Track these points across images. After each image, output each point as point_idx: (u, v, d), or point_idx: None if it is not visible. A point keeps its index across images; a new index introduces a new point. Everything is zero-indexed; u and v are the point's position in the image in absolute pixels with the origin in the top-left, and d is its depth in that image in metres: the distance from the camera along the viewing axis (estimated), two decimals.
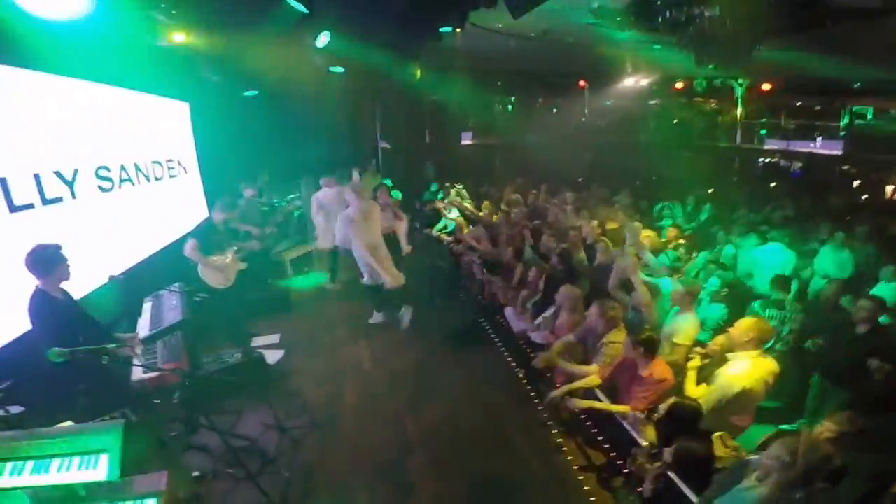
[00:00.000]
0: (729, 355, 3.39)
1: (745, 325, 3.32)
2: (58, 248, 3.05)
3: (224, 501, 3.18)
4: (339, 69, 8.17)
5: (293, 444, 3.74)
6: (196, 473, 3.36)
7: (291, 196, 8.24)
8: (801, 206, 9.06)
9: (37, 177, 3.57)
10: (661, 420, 3.01)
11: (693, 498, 2.66)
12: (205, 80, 6.52)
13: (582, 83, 13.20)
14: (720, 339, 3.77)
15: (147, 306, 4.22)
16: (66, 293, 3.19)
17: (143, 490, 2.21)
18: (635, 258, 4.77)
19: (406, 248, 6.55)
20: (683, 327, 3.92)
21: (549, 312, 4.70)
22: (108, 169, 4.51)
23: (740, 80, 11.82)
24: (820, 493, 2.25)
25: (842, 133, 11.76)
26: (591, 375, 3.74)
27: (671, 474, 2.82)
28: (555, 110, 14.99)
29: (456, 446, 3.80)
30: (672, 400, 3.05)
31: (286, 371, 4.85)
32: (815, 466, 2.30)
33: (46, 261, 2.96)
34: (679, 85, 12.09)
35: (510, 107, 14.92)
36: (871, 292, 4.55)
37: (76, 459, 2.22)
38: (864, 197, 11.08)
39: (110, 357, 2.74)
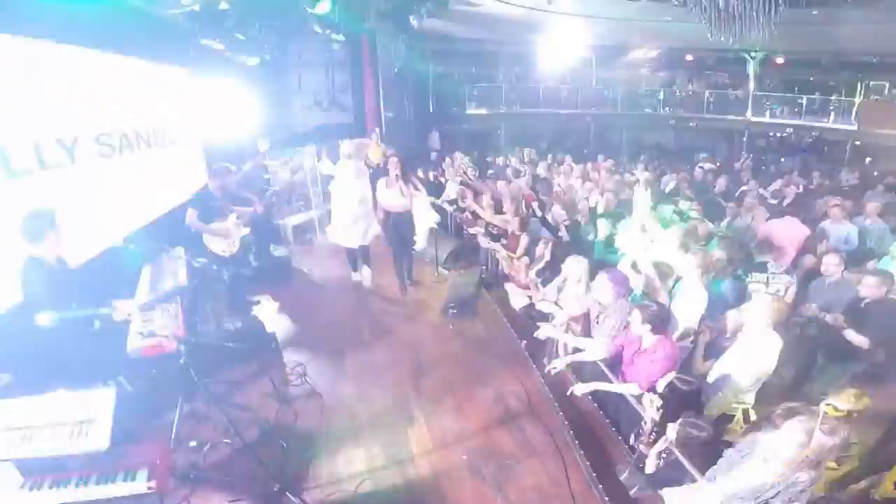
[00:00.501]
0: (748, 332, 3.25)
1: (767, 304, 3.17)
2: (51, 213, 2.91)
3: (222, 472, 3.08)
4: (340, 38, 7.85)
5: (292, 414, 3.64)
6: (193, 443, 3.26)
7: (291, 162, 7.98)
8: (811, 181, 8.84)
9: (36, 144, 3.45)
10: (662, 396, 2.88)
11: (697, 475, 2.56)
12: (203, 47, 6.28)
13: (589, 54, 12.69)
14: (732, 314, 3.60)
15: (146, 272, 4.04)
16: (60, 259, 3.03)
17: (134, 461, 2.12)
18: (642, 232, 4.59)
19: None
20: (694, 299, 3.77)
21: (554, 282, 4.54)
22: (108, 136, 4.34)
23: (753, 53, 11.31)
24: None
25: (856, 108, 11.32)
26: (596, 348, 3.62)
27: (676, 451, 2.71)
28: (562, 80, 14.47)
29: (456, 416, 3.69)
30: (671, 376, 2.94)
31: (286, 340, 4.71)
32: (830, 448, 2.16)
33: (39, 227, 2.82)
34: (689, 57, 11.61)
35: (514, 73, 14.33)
36: (879, 267, 4.48)
37: (65, 428, 2.11)
38: (875, 173, 10.79)
39: (102, 322, 2.60)
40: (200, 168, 6.44)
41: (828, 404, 2.70)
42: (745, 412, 3.23)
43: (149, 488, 1.95)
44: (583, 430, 3.52)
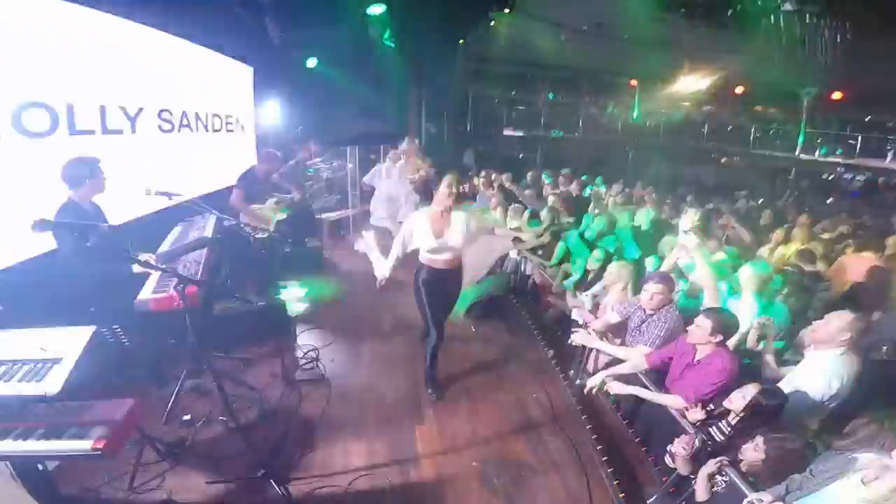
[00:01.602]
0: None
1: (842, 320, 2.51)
2: (95, 161, 2.83)
3: (210, 449, 2.70)
4: (391, 45, 7.77)
5: (297, 398, 3.24)
6: (186, 417, 2.91)
7: (335, 163, 7.86)
8: (861, 225, 7.85)
9: (102, 108, 3.55)
10: (743, 412, 2.29)
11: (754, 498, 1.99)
12: (269, 47, 6.34)
13: (633, 82, 12.15)
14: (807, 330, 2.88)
15: (176, 229, 3.86)
16: (96, 206, 2.93)
17: (90, 418, 1.72)
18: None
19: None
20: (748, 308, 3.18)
21: (591, 290, 4.01)
22: (170, 112, 4.45)
23: (807, 89, 10.47)
24: None
25: None
26: (638, 359, 3.03)
27: (732, 473, 2.14)
28: (604, 108, 13.93)
29: (471, 420, 3.18)
30: (758, 388, 2.30)
31: (306, 324, 4.36)
32: None
33: (81, 171, 2.75)
34: (738, 89, 10.84)
35: (552, 97, 13.89)
36: None
37: (24, 367, 1.76)
38: None
39: (98, 238, 2.23)
40: (252, 157, 6.41)
41: None
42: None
43: (94, 449, 1.54)
44: (610, 447, 2.95)
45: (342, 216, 7.23)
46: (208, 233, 3.53)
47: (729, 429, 2.35)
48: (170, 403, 2.90)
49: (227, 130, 5.80)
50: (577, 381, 3.58)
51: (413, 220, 3.21)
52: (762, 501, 1.97)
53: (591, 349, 3.54)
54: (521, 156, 12.01)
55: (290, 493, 2.37)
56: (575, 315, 4.00)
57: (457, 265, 3.31)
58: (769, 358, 2.90)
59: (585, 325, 3.66)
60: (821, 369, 2.52)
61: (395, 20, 6.90)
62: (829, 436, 2.36)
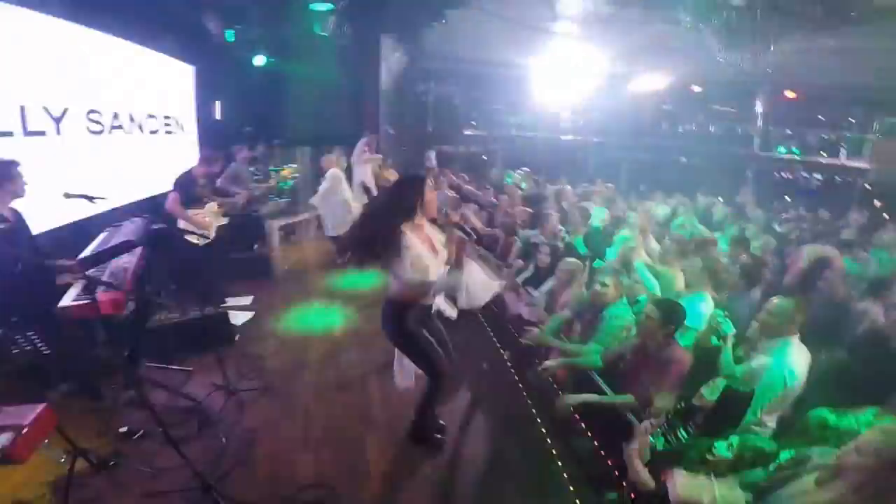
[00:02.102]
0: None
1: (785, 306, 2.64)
2: (12, 164, 2.83)
3: (150, 462, 2.71)
4: (344, 42, 7.87)
5: (239, 409, 3.28)
6: (122, 429, 2.93)
7: (287, 166, 7.87)
8: (819, 220, 8.50)
9: (22, 108, 3.55)
10: (711, 408, 2.40)
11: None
12: (211, 45, 6.34)
13: (592, 80, 12.63)
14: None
15: (101, 235, 3.78)
16: (16, 213, 2.93)
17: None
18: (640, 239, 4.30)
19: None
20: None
21: (545, 287, 4.22)
22: (99, 113, 4.44)
23: (763, 87, 11.21)
24: None
25: (868, 146, 11.07)
26: (592, 358, 3.22)
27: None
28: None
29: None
30: (724, 383, 2.44)
31: (251, 334, 4.39)
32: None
33: None
34: (696, 88, 11.51)
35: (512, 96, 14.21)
36: None
37: None
38: (885, 215, 10.47)
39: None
40: (193, 160, 6.34)
41: None
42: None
43: None
44: (567, 448, 3.09)
45: (294, 221, 7.25)
46: (132, 234, 3.52)
47: (696, 429, 2.41)
48: (106, 415, 2.94)
49: (166, 132, 5.78)
50: (533, 384, 3.72)
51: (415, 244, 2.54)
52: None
53: (546, 351, 3.74)
54: (483, 156, 12.29)
55: None
56: (526, 314, 4.20)
57: None
58: (726, 354, 2.95)
59: (538, 324, 3.88)
60: (776, 358, 2.59)
61: (346, 17, 7.02)
62: (785, 433, 2.47)
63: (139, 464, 2.67)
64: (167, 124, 5.81)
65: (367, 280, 5.43)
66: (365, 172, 6.97)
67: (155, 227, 3.42)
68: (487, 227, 6.30)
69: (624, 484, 2.59)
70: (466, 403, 3.59)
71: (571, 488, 2.77)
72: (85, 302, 2.66)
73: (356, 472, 2.84)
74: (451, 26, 8.59)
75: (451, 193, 6.98)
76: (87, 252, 3.26)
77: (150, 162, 5.37)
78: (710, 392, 2.41)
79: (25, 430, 1.68)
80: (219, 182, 5.65)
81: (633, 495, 2.51)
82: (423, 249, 2.55)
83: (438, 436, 3.09)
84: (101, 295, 2.64)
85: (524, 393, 3.69)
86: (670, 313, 2.83)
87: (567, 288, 4.05)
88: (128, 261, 3.23)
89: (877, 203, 10.94)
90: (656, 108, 13.40)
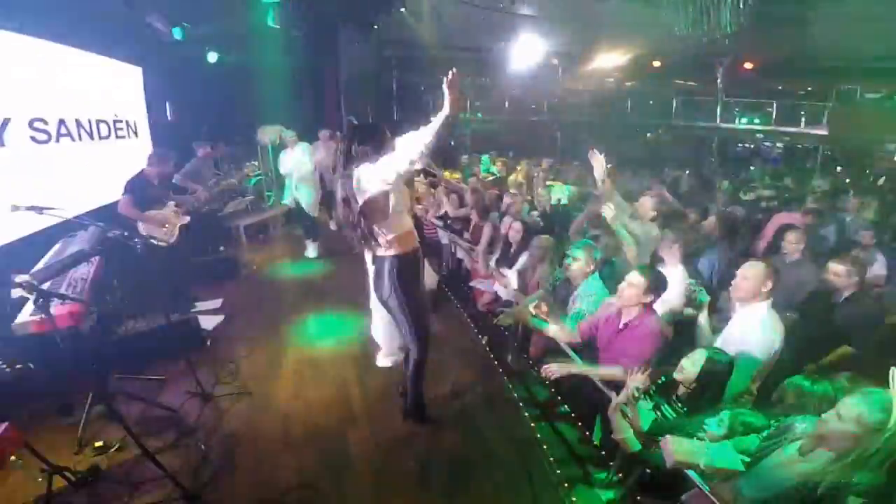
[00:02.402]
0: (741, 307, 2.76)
1: (756, 270, 2.66)
2: None
3: (128, 476, 2.67)
4: (298, 33, 7.70)
5: (217, 414, 3.26)
6: (98, 444, 2.88)
7: (249, 163, 7.71)
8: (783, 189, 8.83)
9: None
10: (695, 383, 2.32)
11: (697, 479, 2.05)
12: (159, 45, 6.10)
13: (555, 61, 12.74)
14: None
15: (56, 247, 3.69)
16: None
17: None
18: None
19: None
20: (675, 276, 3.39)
21: (518, 265, 4.30)
22: (44, 122, 4.27)
23: (721, 59, 11.49)
24: None
25: (826, 114, 11.52)
26: (569, 333, 3.23)
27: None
28: (528, 88, 14.49)
29: (405, 422, 3.26)
30: (707, 353, 2.35)
31: (223, 337, 4.33)
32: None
33: None
34: (657, 63, 11.71)
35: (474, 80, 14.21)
36: None
37: None
38: (847, 181, 10.96)
39: None
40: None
41: None
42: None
43: None
44: (549, 429, 3.20)
45: (260, 219, 7.15)
46: (86, 243, 3.42)
47: (681, 405, 2.36)
48: (79, 431, 2.87)
49: (117, 136, 5.60)
50: (514, 367, 3.84)
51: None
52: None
53: (524, 332, 3.81)
54: (451, 142, 12.28)
55: None
56: (501, 293, 4.26)
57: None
58: (702, 322, 3.01)
59: (515, 304, 3.95)
60: (756, 324, 2.62)
61: (300, 8, 6.86)
62: (763, 402, 2.49)
63: (119, 478, 2.64)
64: (118, 129, 5.63)
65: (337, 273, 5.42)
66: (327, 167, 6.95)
67: (110, 234, 3.31)
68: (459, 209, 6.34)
69: (611, 464, 2.72)
70: (448, 391, 3.63)
71: (558, 471, 2.84)
72: (41, 317, 2.60)
73: (340, 469, 2.86)
74: (413, 12, 8.50)
75: (422, 179, 6.98)
76: (39, 265, 3.15)
77: (103, 169, 5.18)
78: (691, 364, 2.34)
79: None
80: (175, 179, 5.52)
81: (619, 473, 2.65)
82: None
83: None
84: (58, 308, 2.57)
85: (504, 378, 3.77)
86: (653, 281, 2.82)
87: (540, 265, 4.12)
88: (85, 271, 3.15)
89: (838, 169, 11.48)
90: (619, 85, 13.61)
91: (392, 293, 2.73)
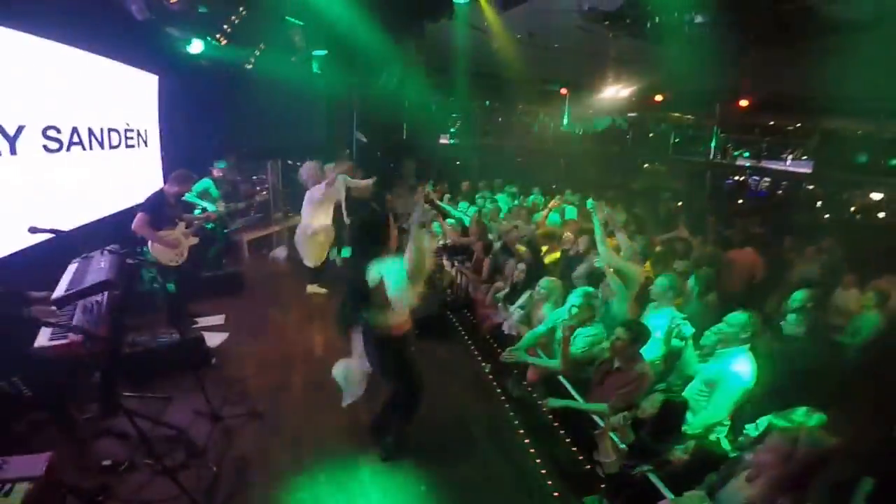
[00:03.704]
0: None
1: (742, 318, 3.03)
2: None
3: (139, 495, 2.72)
4: (321, 52, 7.86)
5: (227, 435, 3.31)
6: (106, 462, 2.90)
7: (256, 177, 7.78)
8: (767, 223, 9.13)
9: None
10: (652, 418, 2.78)
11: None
12: (177, 55, 6.17)
13: (564, 91, 13.16)
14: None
15: (72, 267, 3.60)
16: None
17: (13, 474, 1.80)
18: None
19: None
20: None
21: (519, 303, 4.47)
22: (57, 129, 4.23)
23: (719, 96, 11.97)
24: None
25: (810, 152, 12.01)
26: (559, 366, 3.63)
27: (653, 477, 2.60)
28: (536, 116, 14.92)
29: (413, 443, 3.37)
30: (662, 396, 2.85)
31: (228, 355, 4.38)
32: (814, 464, 1.97)
33: None
34: (658, 98, 12.14)
35: (487, 104, 14.57)
36: None
37: None
38: (826, 216, 11.35)
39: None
40: (156, 174, 6.20)
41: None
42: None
43: None
44: (548, 455, 3.35)
45: (264, 234, 7.21)
46: (108, 272, 3.34)
47: (650, 436, 2.75)
48: (87, 449, 2.92)
49: (127, 146, 5.61)
50: (514, 394, 3.99)
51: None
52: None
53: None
54: (457, 163, 12.50)
55: None
56: (506, 328, 4.40)
57: None
58: (689, 352, 3.46)
59: (516, 337, 4.08)
60: (735, 365, 2.95)
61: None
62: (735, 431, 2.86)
63: (131, 497, 2.68)
64: (129, 138, 5.62)
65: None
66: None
67: (130, 261, 3.36)
68: (462, 237, 6.48)
69: (602, 486, 2.92)
70: (452, 416, 3.75)
71: (556, 494, 3.02)
72: (60, 342, 2.62)
73: (352, 491, 2.96)
74: (430, 35, 8.75)
75: (427, 207, 7.11)
76: (60, 291, 3.16)
77: (112, 179, 5.21)
78: (650, 404, 2.90)
79: (41, 479, 1.71)
80: (190, 198, 5.54)
81: (611, 495, 2.84)
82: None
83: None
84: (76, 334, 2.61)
85: (506, 405, 3.94)
86: (637, 334, 3.23)
87: (544, 303, 4.29)
88: (99, 295, 3.18)
89: (818, 204, 11.96)
90: (622, 118, 14.08)
91: (397, 367, 3.06)
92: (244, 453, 3.18)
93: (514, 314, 4.51)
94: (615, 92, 12.10)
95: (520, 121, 14.69)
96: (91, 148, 4.83)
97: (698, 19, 6.14)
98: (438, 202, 7.34)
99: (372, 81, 9.01)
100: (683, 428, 2.88)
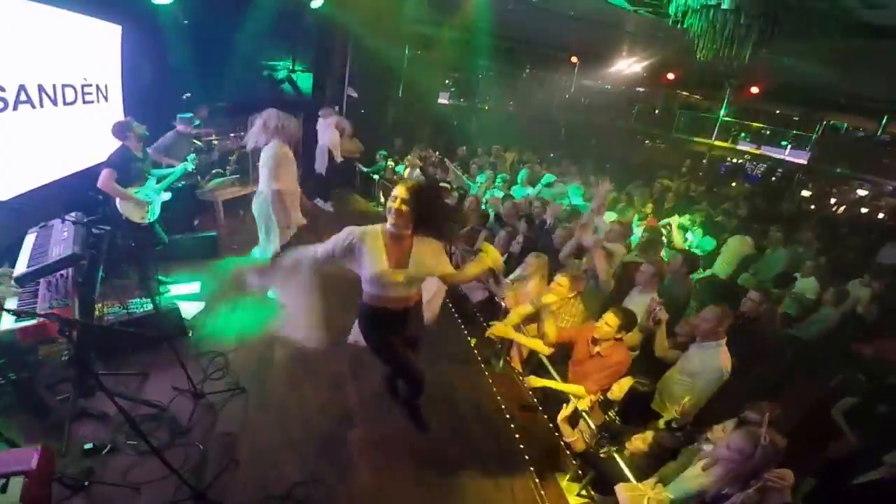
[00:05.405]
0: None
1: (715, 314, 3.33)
2: None
3: (124, 479, 2.73)
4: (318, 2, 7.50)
5: (211, 412, 3.33)
6: (88, 446, 2.89)
7: (234, 134, 7.51)
8: (754, 208, 9.43)
9: None
10: (621, 402, 3.26)
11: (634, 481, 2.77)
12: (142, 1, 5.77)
13: (574, 59, 13.10)
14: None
15: (30, 239, 3.40)
16: None
17: (6, 469, 1.83)
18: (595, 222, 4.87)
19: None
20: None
21: (514, 275, 4.60)
22: (1, 88, 3.95)
23: (731, 80, 12.11)
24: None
25: (811, 143, 12.40)
26: (542, 346, 3.85)
27: (618, 458, 2.92)
28: (542, 82, 14.74)
29: (400, 418, 3.42)
30: (629, 381, 3.26)
31: (206, 326, 4.30)
32: (769, 462, 2.29)
33: None
34: (670, 76, 12.24)
35: (490, 67, 14.37)
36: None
37: None
38: (811, 207, 11.82)
39: None
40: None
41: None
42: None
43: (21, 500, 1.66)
44: (528, 433, 3.63)
45: (242, 194, 7.01)
46: (73, 244, 3.14)
47: (618, 418, 3.20)
48: (65, 432, 2.87)
49: (85, 102, 5.23)
50: (496, 370, 4.28)
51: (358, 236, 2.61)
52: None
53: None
54: (454, 126, 12.35)
55: None
56: (500, 301, 4.55)
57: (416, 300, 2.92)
58: (661, 338, 3.68)
59: (506, 313, 4.23)
60: (711, 356, 3.30)
61: None
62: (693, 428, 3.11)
63: (117, 480, 2.69)
64: (87, 94, 5.23)
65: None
66: (332, 138, 7.35)
67: (95, 230, 3.26)
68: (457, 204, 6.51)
69: (574, 462, 3.34)
70: (441, 391, 3.84)
71: (531, 468, 3.31)
72: (29, 324, 2.60)
73: (341, 466, 3.10)
74: None
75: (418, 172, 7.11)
76: (22, 268, 3.03)
77: (68, 137, 4.90)
78: (619, 389, 3.32)
79: (35, 473, 1.74)
80: (151, 153, 5.30)
81: (581, 472, 3.29)
82: (378, 253, 2.58)
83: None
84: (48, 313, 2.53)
85: (490, 380, 4.19)
86: (626, 321, 3.48)
87: (531, 280, 4.43)
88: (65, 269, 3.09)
89: (804, 193, 12.46)
90: (631, 92, 14.10)
91: (367, 341, 3.00)
92: (229, 431, 3.21)
93: (504, 287, 4.63)
94: (627, 65, 12.14)
95: (525, 85, 14.50)
96: (42, 106, 4.48)
97: (725, 4, 6.12)
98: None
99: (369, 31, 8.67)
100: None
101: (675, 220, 6.69)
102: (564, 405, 3.45)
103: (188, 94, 6.49)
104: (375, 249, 2.57)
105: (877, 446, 2.86)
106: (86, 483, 2.62)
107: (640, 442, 2.97)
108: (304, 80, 8.83)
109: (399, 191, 2.51)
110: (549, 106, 14.33)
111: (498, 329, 3.99)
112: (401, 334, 2.88)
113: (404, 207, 2.48)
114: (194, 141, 6.25)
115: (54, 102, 4.67)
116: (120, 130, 4.40)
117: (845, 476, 2.84)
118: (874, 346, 4.23)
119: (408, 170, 8.06)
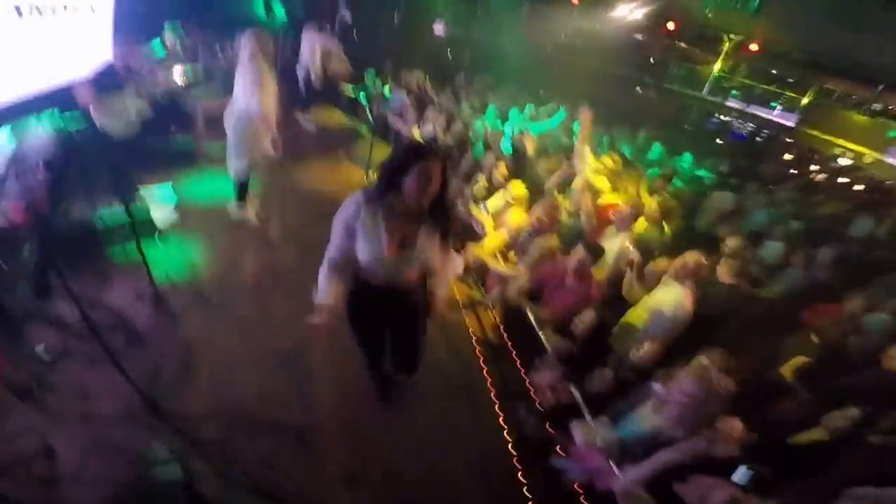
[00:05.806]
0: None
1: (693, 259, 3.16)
2: None
3: (79, 387, 2.58)
4: None
5: (171, 320, 3.17)
6: (40, 347, 2.72)
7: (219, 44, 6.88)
8: (736, 166, 9.23)
9: None
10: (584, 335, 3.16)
11: (589, 420, 2.73)
12: None
13: (576, 0, 12.29)
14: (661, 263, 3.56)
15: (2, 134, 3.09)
16: None
17: None
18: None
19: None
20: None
21: (492, 200, 4.53)
22: None
23: (731, 35, 11.54)
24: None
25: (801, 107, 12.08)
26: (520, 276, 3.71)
27: (576, 392, 2.90)
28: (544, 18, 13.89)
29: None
30: (592, 314, 3.18)
31: (175, 234, 4.05)
32: (720, 408, 2.26)
33: None
34: (670, 25, 11.61)
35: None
36: None
37: None
38: (791, 171, 11.68)
39: None
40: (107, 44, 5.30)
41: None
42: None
43: None
44: (503, 379, 3.47)
45: (223, 101, 6.50)
46: (50, 156, 2.95)
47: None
48: (21, 333, 2.73)
49: (64, 7, 4.68)
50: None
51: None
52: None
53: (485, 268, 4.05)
54: (448, 56, 11.71)
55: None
56: (477, 227, 4.43)
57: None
58: (630, 279, 3.54)
59: (483, 236, 4.17)
60: (676, 297, 3.12)
61: None
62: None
63: (68, 388, 2.55)
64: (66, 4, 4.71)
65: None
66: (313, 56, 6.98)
67: (71, 127, 2.93)
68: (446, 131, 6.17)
69: (558, 447, 3.01)
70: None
71: (514, 452, 3.00)
72: None
73: (304, 394, 2.92)
74: None
75: (407, 98, 6.70)
76: None
77: (48, 50, 4.39)
78: (581, 320, 3.21)
79: None
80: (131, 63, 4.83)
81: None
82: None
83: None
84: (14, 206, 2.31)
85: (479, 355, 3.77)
86: (592, 255, 3.46)
87: (510, 209, 4.30)
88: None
89: (787, 157, 12.28)
90: (628, 37, 13.40)
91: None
92: (189, 341, 3.06)
93: (483, 211, 4.52)
94: (628, 11, 11.40)
95: (522, 22, 13.61)
96: (20, 16, 3.98)
97: None
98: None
99: None
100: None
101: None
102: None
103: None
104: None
105: (822, 410, 2.81)
106: (35, 389, 2.48)
107: (600, 379, 2.92)
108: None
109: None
110: (544, 44, 13.62)
111: (473, 253, 3.94)
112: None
113: None
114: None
115: (31, 12, 4.11)
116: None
117: (786, 434, 2.82)
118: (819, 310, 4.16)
119: (393, 92, 7.58)
